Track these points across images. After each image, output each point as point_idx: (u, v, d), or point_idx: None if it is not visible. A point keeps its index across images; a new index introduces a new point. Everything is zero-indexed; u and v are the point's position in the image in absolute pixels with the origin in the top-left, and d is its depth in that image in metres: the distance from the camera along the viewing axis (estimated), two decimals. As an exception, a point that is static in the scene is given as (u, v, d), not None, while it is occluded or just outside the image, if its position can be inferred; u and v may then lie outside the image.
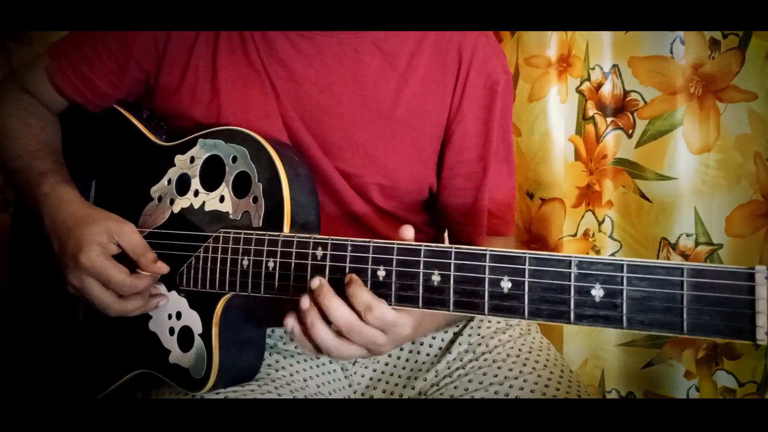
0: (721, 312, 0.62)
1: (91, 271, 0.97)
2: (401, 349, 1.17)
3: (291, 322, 0.85)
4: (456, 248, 0.77)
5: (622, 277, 0.67)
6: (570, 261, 0.69)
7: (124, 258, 1.00)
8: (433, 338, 1.16)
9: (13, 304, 1.30)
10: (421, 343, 1.16)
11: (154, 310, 1.03)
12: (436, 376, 1.12)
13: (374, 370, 1.16)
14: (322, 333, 0.83)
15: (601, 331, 1.60)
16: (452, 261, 0.77)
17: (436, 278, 0.77)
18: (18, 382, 1.26)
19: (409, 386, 1.13)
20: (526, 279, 0.72)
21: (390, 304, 0.81)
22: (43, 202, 1.05)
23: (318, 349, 0.85)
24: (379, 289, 0.82)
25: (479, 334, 1.15)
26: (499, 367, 1.08)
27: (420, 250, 0.79)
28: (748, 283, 0.61)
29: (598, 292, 0.68)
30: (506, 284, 0.73)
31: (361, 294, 0.81)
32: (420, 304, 0.79)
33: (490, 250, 0.74)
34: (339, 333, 0.83)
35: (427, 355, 1.15)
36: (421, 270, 0.79)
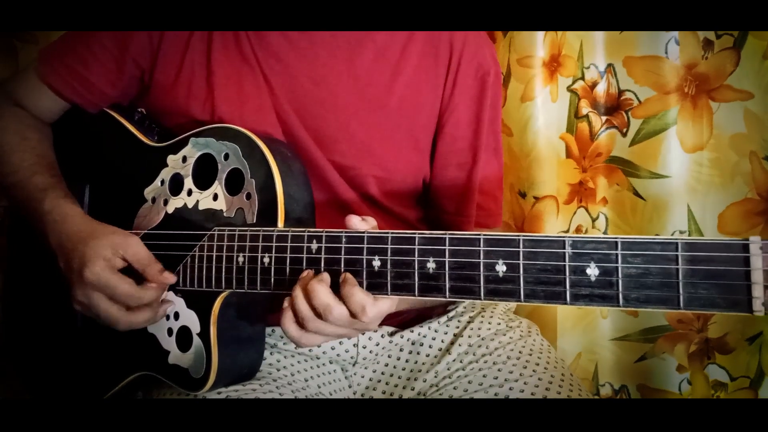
0: (717, 285, 0.62)
1: (97, 285, 0.97)
2: (401, 350, 1.17)
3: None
4: (450, 234, 0.77)
5: (616, 254, 0.67)
6: (564, 241, 0.69)
7: (130, 272, 1.00)
8: (433, 339, 1.17)
9: (10, 311, 1.30)
10: (421, 344, 1.16)
11: (162, 318, 1.03)
12: (435, 376, 1.12)
13: (374, 371, 1.17)
14: (301, 304, 0.84)
15: (595, 326, 1.60)
16: (446, 247, 0.77)
17: (431, 265, 0.77)
18: (18, 382, 1.25)
19: (408, 387, 1.13)
20: (521, 261, 0.71)
21: (386, 294, 0.82)
22: (46, 219, 1.05)
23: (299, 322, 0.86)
24: (375, 279, 0.82)
25: (479, 336, 1.15)
26: (499, 369, 1.08)
27: (414, 238, 0.79)
28: (743, 254, 0.61)
29: (593, 270, 0.68)
30: (501, 268, 0.73)
31: (355, 294, 0.82)
32: (416, 292, 0.79)
33: (484, 235, 0.74)
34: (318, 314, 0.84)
35: (427, 356, 1.15)
36: (416, 258, 0.79)
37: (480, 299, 0.73)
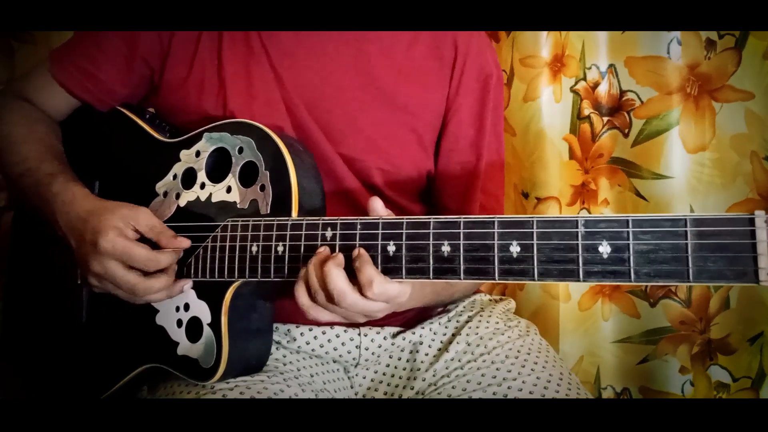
0: (724, 257, 0.64)
1: (113, 254, 0.97)
2: (402, 351, 1.18)
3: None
4: (465, 218, 0.79)
5: (627, 232, 0.69)
6: (576, 221, 0.71)
7: (143, 242, 1.00)
8: (432, 340, 1.17)
9: (10, 311, 1.30)
10: (420, 343, 1.17)
11: (179, 294, 1.03)
12: (434, 375, 1.12)
13: (375, 372, 1.17)
14: (313, 278, 0.86)
15: (597, 328, 1.61)
16: (461, 230, 0.78)
17: (445, 249, 0.79)
18: (17, 382, 1.26)
19: (408, 387, 1.13)
20: (535, 242, 0.73)
21: (401, 278, 0.83)
22: (55, 201, 1.06)
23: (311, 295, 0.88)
24: (390, 264, 0.83)
25: (478, 335, 1.15)
26: (497, 369, 1.08)
27: (429, 222, 0.81)
28: (749, 227, 0.63)
29: (605, 248, 0.70)
30: (515, 248, 0.75)
31: (367, 269, 0.83)
32: (430, 274, 0.80)
33: (498, 218, 0.76)
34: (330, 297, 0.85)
35: (426, 354, 1.15)
36: (431, 242, 0.80)
37: (495, 280, 0.75)
